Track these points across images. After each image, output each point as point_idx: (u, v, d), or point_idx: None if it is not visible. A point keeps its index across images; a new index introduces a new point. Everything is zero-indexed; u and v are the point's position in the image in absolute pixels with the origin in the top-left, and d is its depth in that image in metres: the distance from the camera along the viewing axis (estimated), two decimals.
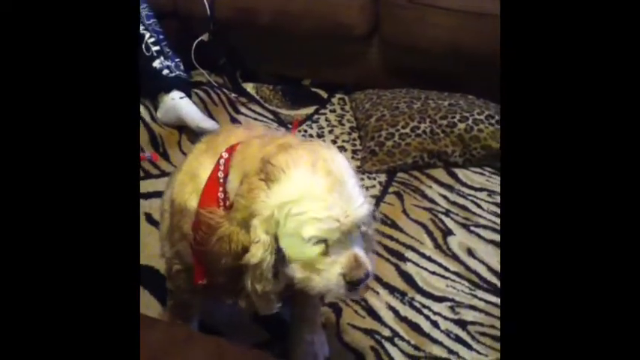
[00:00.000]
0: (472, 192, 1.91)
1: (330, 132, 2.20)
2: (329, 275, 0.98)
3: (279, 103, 2.38)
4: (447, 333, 1.44)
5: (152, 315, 1.34)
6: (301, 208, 0.94)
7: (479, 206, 1.84)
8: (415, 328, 1.45)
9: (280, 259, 1.00)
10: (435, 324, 1.46)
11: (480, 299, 1.53)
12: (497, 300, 1.52)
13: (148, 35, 2.16)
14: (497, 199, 1.87)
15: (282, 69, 2.50)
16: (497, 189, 1.91)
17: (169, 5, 2.38)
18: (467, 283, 1.58)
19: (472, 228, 1.76)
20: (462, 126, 2.00)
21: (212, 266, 1.01)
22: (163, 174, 1.88)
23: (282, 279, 1.02)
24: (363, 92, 2.31)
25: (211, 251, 0.99)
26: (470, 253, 1.67)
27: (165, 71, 2.16)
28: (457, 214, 1.81)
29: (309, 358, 1.32)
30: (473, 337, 1.44)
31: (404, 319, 1.47)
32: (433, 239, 1.72)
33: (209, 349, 0.91)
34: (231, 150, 1.07)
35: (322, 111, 2.33)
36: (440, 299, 1.53)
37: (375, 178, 1.96)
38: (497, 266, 1.62)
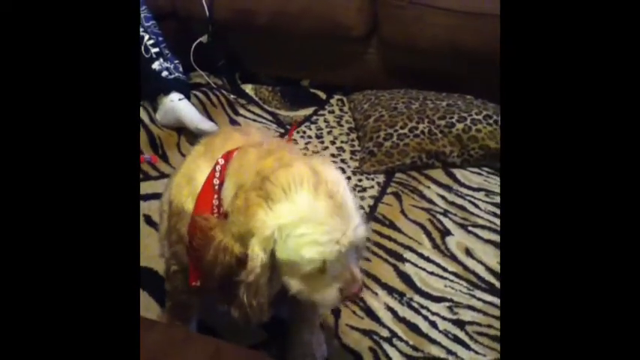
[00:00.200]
0: (470, 192, 1.91)
1: (329, 133, 2.21)
2: (326, 291, 1.00)
3: (277, 104, 2.39)
4: (446, 333, 1.45)
5: (151, 317, 1.34)
6: (302, 231, 0.95)
7: (477, 206, 1.85)
8: (413, 328, 1.45)
9: (276, 273, 1.01)
10: (434, 324, 1.47)
11: (479, 299, 1.54)
12: (495, 300, 1.53)
13: (147, 37, 2.16)
14: (496, 199, 1.87)
15: (281, 70, 2.50)
16: (496, 189, 1.91)
17: (168, 7, 2.38)
18: (465, 283, 1.58)
19: (470, 228, 1.77)
20: (460, 126, 2.01)
21: (206, 274, 1.02)
22: (162, 176, 1.89)
23: (275, 287, 1.03)
24: (361, 93, 2.32)
25: (206, 261, 1.00)
26: (468, 253, 1.68)
27: (165, 73, 2.16)
28: (455, 215, 1.81)
29: (308, 358, 1.32)
30: (471, 337, 1.44)
31: (402, 320, 1.47)
32: (431, 239, 1.72)
33: (207, 350, 0.91)
34: (227, 156, 1.08)
35: (321, 112, 2.34)
36: (438, 299, 1.53)
37: (373, 179, 1.97)
38: (495, 266, 1.63)
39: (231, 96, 2.37)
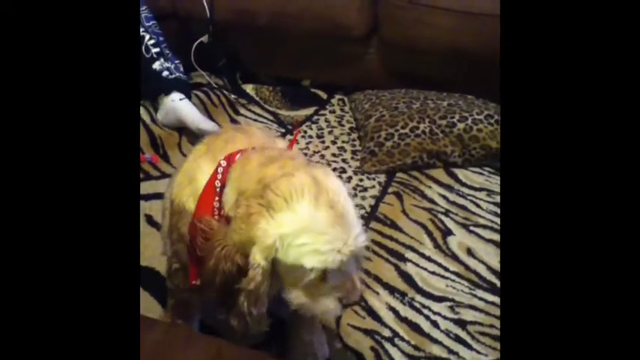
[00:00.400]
0: (471, 192, 1.91)
1: (330, 133, 2.20)
2: (327, 301, 1.01)
3: (278, 104, 2.39)
4: (447, 333, 1.45)
5: (153, 317, 1.34)
6: (303, 240, 0.95)
7: (478, 206, 1.85)
8: (415, 328, 1.45)
9: (276, 282, 1.01)
10: (435, 324, 1.47)
11: (480, 299, 1.54)
12: (496, 299, 1.53)
13: (147, 37, 2.17)
14: (497, 198, 1.87)
15: (282, 70, 2.51)
16: (497, 189, 1.91)
17: (169, 7, 2.38)
18: (466, 283, 1.58)
19: (472, 228, 1.76)
20: (461, 126, 2.00)
21: (207, 282, 1.02)
22: (163, 175, 1.89)
23: (273, 294, 1.03)
24: (362, 93, 2.32)
25: (207, 269, 1.00)
26: (469, 252, 1.68)
27: (165, 73, 2.17)
28: (456, 214, 1.81)
29: (309, 358, 1.32)
30: (473, 337, 1.44)
31: (404, 320, 1.47)
32: (433, 239, 1.72)
33: (208, 350, 0.91)
34: (229, 159, 1.08)
35: (322, 112, 2.34)
36: (440, 299, 1.53)
37: (374, 179, 1.97)
38: (496, 266, 1.62)
39: (232, 96, 2.37)
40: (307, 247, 0.95)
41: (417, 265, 1.63)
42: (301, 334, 1.31)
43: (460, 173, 2.00)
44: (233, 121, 2.25)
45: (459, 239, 1.72)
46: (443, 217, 1.80)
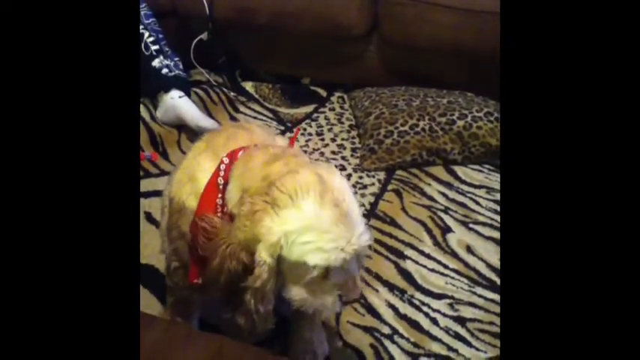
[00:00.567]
0: (471, 189, 1.91)
1: (330, 130, 2.20)
2: (328, 298, 1.01)
3: (278, 101, 2.39)
4: (447, 330, 1.45)
5: (152, 314, 1.34)
6: (308, 238, 0.96)
7: (478, 203, 1.85)
8: (414, 325, 1.46)
9: (280, 279, 1.02)
10: (435, 321, 1.47)
11: (479, 296, 1.54)
12: (496, 297, 1.53)
13: (147, 34, 2.16)
14: (496, 196, 1.87)
15: (281, 68, 2.50)
16: (496, 186, 1.91)
17: (168, 4, 2.38)
18: (466, 280, 1.58)
19: (471, 225, 1.77)
20: (460, 123, 2.00)
21: (211, 281, 1.02)
22: (163, 173, 1.89)
23: (277, 291, 1.03)
24: (362, 90, 2.31)
25: (211, 268, 1.00)
26: (469, 250, 1.68)
27: (165, 70, 2.16)
28: (456, 212, 1.81)
29: (309, 356, 1.32)
30: (472, 334, 1.44)
31: (403, 317, 1.47)
32: (432, 237, 1.72)
33: (209, 347, 0.91)
34: (232, 155, 1.08)
35: (321, 109, 2.34)
36: (439, 296, 1.53)
37: (374, 176, 1.97)
38: (496, 263, 1.63)
39: (232, 93, 2.37)
40: (311, 245, 0.95)
41: (417, 262, 1.64)
42: (301, 332, 1.31)
43: (460, 171, 2.00)
44: (232, 118, 2.25)
45: (458, 237, 1.73)
46: (442, 215, 1.80)
